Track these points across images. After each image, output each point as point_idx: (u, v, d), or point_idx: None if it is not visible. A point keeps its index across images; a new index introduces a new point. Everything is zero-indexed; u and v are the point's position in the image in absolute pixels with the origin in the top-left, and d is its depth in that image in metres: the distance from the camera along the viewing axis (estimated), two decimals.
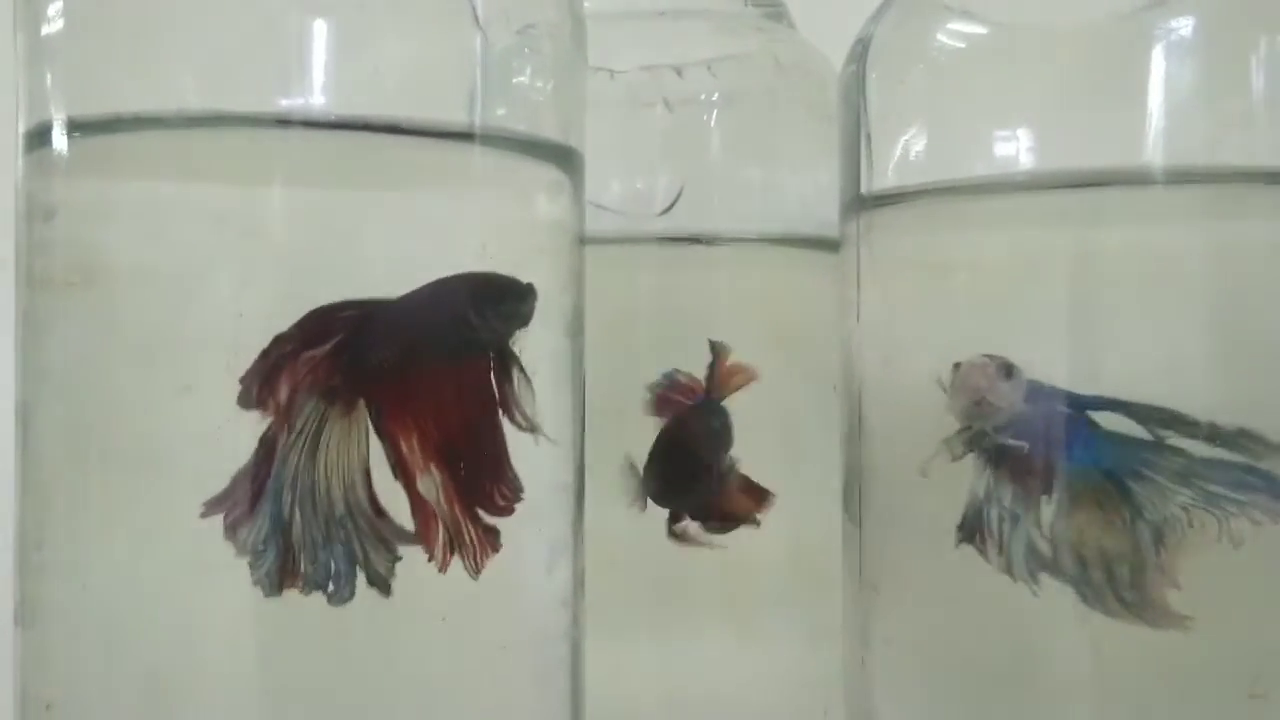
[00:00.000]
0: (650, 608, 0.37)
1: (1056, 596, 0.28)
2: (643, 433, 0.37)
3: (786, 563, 0.37)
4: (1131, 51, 0.30)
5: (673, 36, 0.41)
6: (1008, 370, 0.29)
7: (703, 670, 0.37)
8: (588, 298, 0.36)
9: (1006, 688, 0.30)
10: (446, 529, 0.25)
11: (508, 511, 0.26)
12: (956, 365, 0.29)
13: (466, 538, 0.25)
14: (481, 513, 0.25)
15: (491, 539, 0.25)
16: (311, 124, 0.25)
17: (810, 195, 0.39)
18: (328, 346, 0.24)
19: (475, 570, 0.25)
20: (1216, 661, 0.28)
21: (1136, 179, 0.30)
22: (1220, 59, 0.30)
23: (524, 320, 0.27)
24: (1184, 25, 0.30)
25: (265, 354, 0.24)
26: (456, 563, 0.25)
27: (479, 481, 0.25)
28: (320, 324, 0.24)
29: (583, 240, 0.30)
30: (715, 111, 0.40)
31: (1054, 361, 0.29)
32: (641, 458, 0.37)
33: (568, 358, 0.28)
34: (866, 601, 0.32)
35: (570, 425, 0.28)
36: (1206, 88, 0.30)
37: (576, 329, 0.29)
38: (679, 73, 0.41)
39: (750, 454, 0.37)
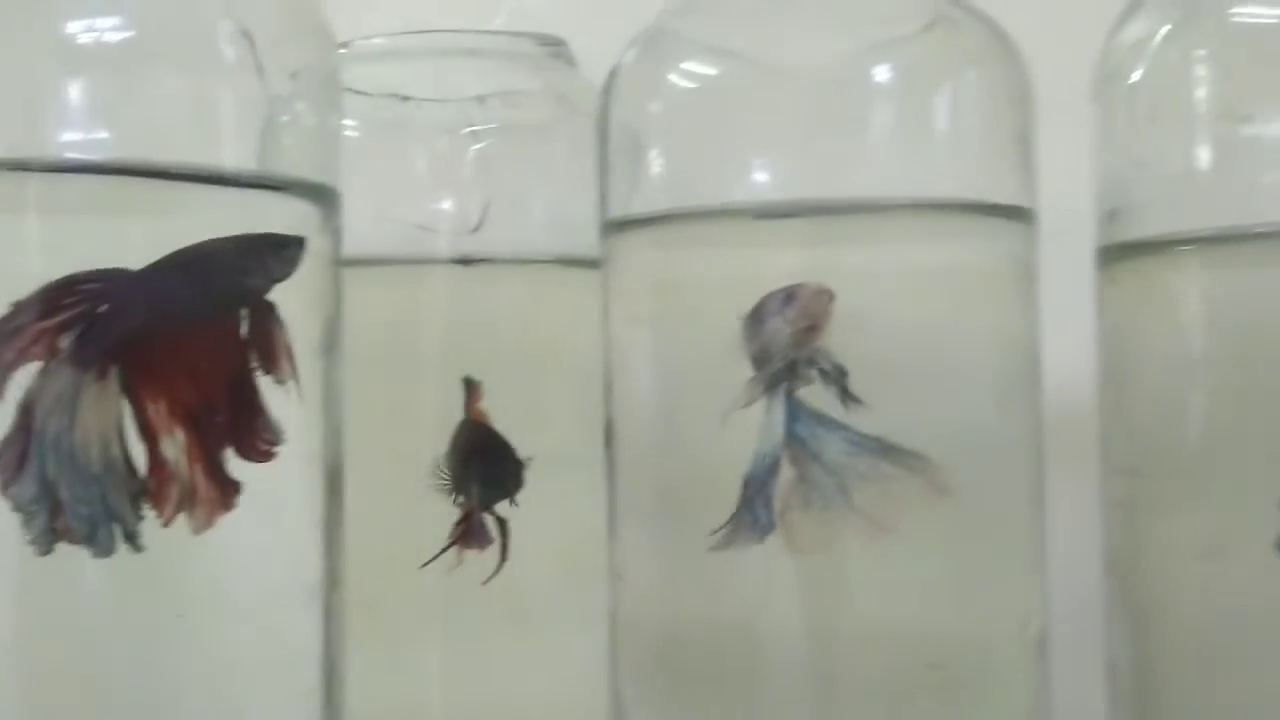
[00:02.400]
0: (436, 601, 0.40)
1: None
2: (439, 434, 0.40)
3: (561, 556, 0.39)
4: (845, 92, 0.33)
5: (471, 72, 0.43)
6: (833, 298, 0.31)
7: (482, 663, 0.39)
8: (385, 312, 0.40)
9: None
10: (182, 487, 0.27)
11: (269, 456, 0.28)
12: (784, 292, 0.31)
13: (202, 495, 0.27)
14: (235, 466, 0.27)
15: (227, 498, 0.27)
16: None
17: (587, 219, 0.42)
18: (65, 316, 0.26)
19: (205, 526, 0.26)
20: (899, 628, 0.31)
21: (846, 208, 0.33)
22: (913, 101, 0.33)
23: (292, 266, 0.29)
24: (884, 70, 0.33)
25: (5, 319, 0.26)
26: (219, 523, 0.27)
27: (237, 434, 0.27)
28: (61, 294, 0.26)
29: (339, 263, 0.32)
30: (507, 140, 0.42)
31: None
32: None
33: (319, 374, 0.30)
34: (615, 589, 0.34)
35: (321, 436, 0.30)
36: (903, 126, 0.33)
37: (328, 346, 0.31)
38: (480, 102, 0.43)
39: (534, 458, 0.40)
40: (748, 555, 0.31)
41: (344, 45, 0.43)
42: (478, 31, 0.43)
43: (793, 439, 0.31)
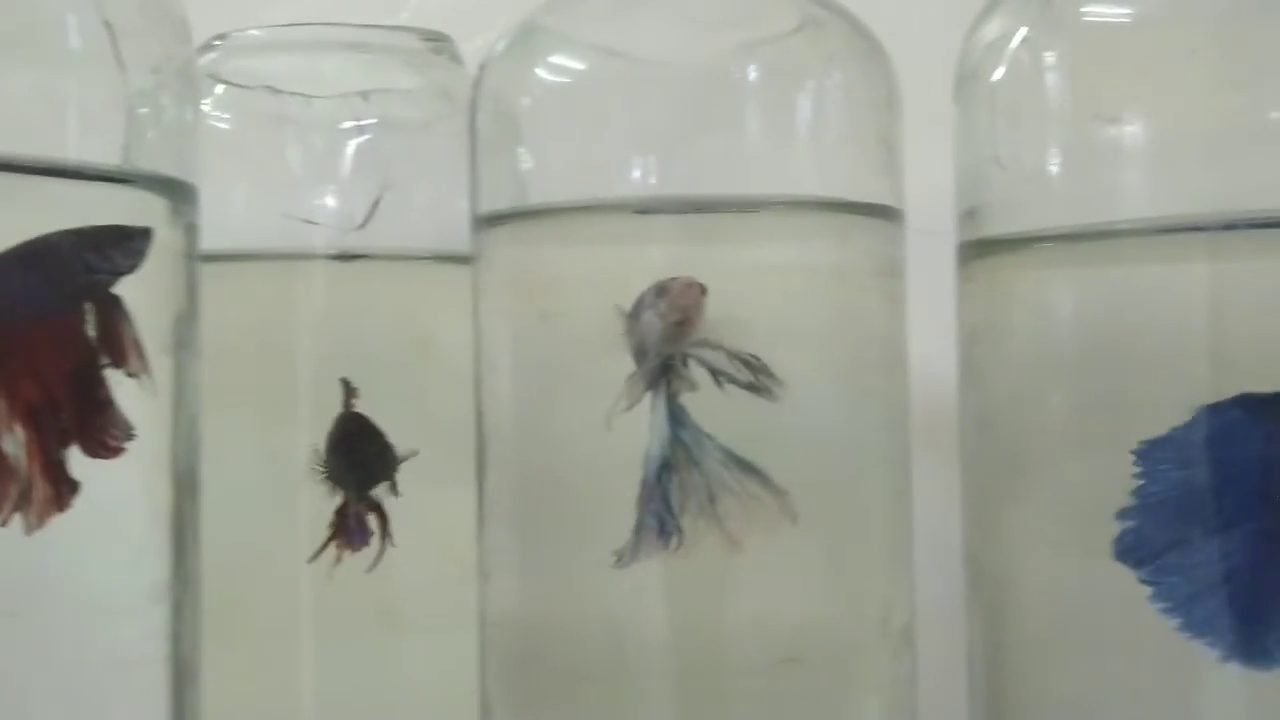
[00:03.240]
0: (309, 600, 0.39)
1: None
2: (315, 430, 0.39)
3: (437, 555, 0.39)
4: (714, 90, 0.33)
5: (354, 67, 0.43)
6: (704, 291, 0.31)
7: (355, 662, 0.39)
8: (260, 307, 0.39)
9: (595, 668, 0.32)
10: (19, 486, 0.26)
11: (117, 452, 0.27)
12: (656, 287, 0.31)
13: (37, 494, 0.26)
14: (79, 464, 0.26)
15: (61, 498, 0.26)
16: None
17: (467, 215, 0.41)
18: None
19: (38, 525, 0.26)
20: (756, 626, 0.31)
21: (714, 205, 0.33)
22: (780, 100, 0.33)
23: (138, 259, 0.28)
24: (753, 70, 0.33)
25: None
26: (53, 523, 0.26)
27: (82, 431, 0.27)
28: None
29: (194, 258, 0.31)
30: (387, 135, 0.42)
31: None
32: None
33: (169, 371, 0.29)
34: (482, 588, 0.34)
35: (170, 434, 0.29)
36: (771, 124, 0.33)
37: (181, 342, 0.30)
38: (362, 98, 0.43)
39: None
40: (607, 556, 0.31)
41: (222, 38, 0.43)
42: (360, 26, 0.42)
43: (677, 442, 0.31)
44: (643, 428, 0.31)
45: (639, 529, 0.30)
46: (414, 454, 0.39)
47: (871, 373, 0.32)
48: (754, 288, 0.32)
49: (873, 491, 0.32)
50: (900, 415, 0.33)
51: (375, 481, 0.39)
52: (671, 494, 0.31)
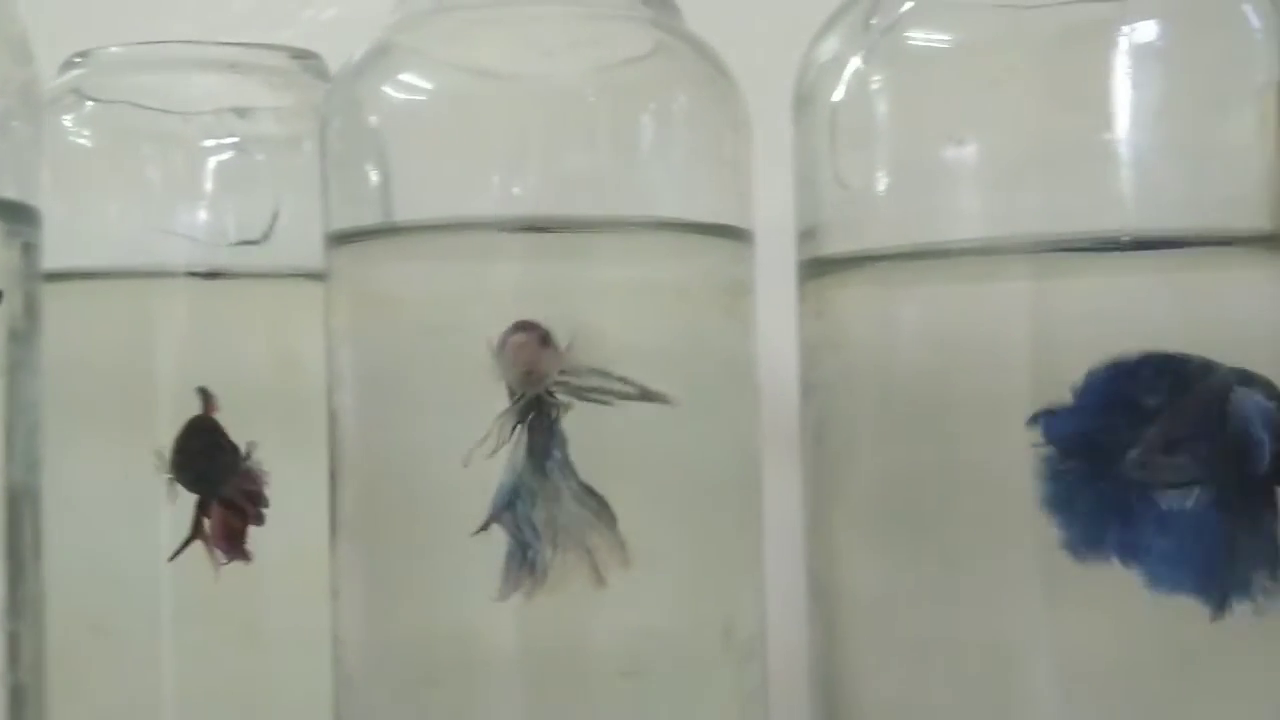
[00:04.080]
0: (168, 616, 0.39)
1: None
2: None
3: (300, 572, 0.39)
4: (566, 110, 0.34)
5: (220, 84, 0.43)
6: (544, 338, 0.31)
7: (214, 679, 0.38)
8: (120, 326, 0.39)
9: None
10: None
11: None
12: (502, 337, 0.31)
13: None
14: None
15: None
16: None
17: None
18: None
19: None
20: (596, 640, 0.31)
21: (563, 225, 0.33)
22: (632, 122, 0.34)
23: None
24: (605, 92, 0.33)
25: None
26: None
27: None
28: None
29: (32, 277, 0.30)
30: (252, 153, 0.42)
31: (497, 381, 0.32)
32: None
33: (2, 392, 0.29)
34: (333, 606, 0.34)
35: (1, 455, 0.29)
36: (621, 145, 0.34)
37: (16, 363, 0.29)
38: (233, 115, 0.42)
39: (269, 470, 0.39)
40: (455, 577, 0.31)
41: (86, 54, 0.42)
42: (228, 44, 0.42)
43: (537, 474, 0.31)
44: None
45: (509, 564, 0.31)
46: (253, 446, 0.39)
47: (716, 390, 0.33)
48: (603, 307, 0.32)
49: (716, 508, 0.33)
50: (747, 433, 0.34)
51: (221, 481, 0.38)
52: (529, 525, 0.31)
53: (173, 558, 0.38)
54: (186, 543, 0.38)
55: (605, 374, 0.31)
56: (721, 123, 0.34)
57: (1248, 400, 0.26)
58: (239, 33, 0.45)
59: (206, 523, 0.38)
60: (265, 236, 0.41)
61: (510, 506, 0.31)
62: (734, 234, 0.34)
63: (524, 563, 0.31)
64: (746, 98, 0.35)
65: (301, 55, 0.43)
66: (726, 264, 0.34)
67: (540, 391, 0.31)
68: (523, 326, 0.31)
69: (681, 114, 0.34)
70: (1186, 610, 0.27)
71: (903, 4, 0.30)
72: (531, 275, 0.32)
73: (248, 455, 0.39)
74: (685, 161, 0.34)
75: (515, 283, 0.32)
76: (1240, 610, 0.27)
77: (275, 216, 0.41)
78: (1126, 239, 0.27)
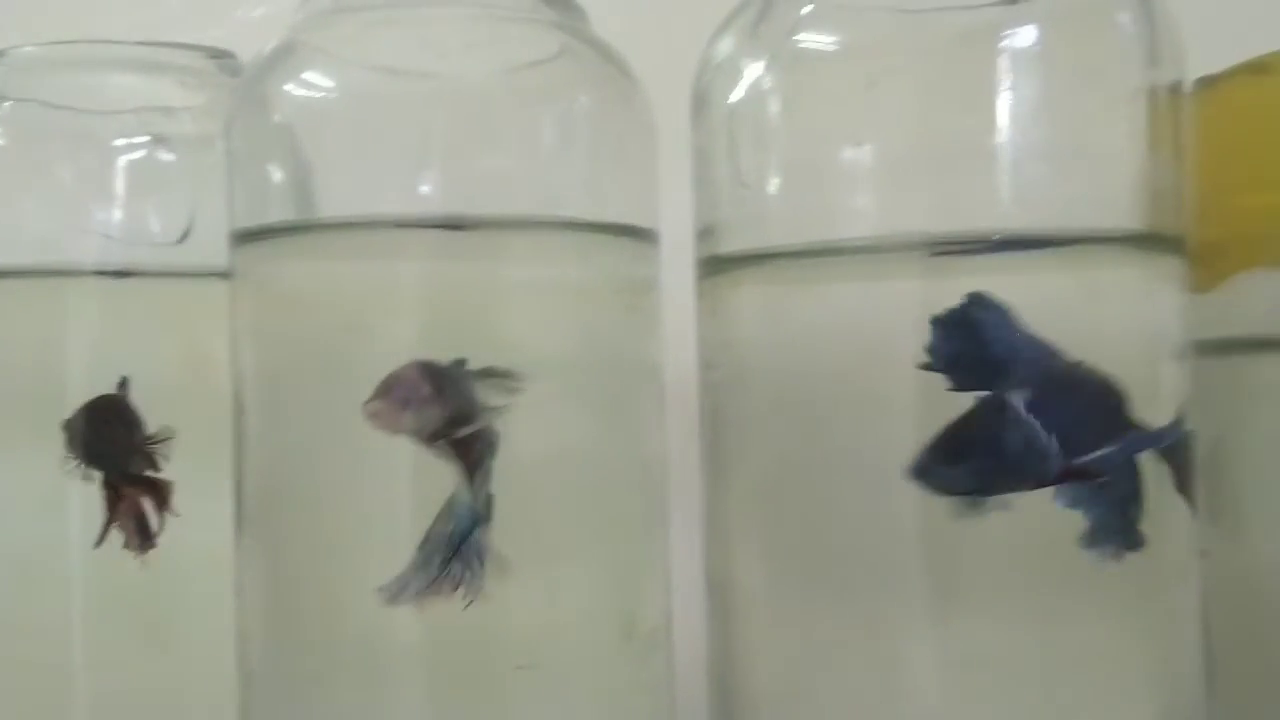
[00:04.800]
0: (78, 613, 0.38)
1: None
2: None
3: (204, 565, 0.39)
4: (472, 111, 0.34)
5: (137, 83, 0.42)
6: (403, 403, 0.30)
7: (122, 676, 0.38)
8: (30, 325, 0.39)
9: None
10: None
11: None
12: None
13: None
14: None
15: None
16: None
17: None
18: None
19: None
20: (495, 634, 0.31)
21: (468, 224, 0.33)
22: (538, 123, 0.34)
23: None
24: (510, 93, 0.34)
25: None
26: None
27: None
28: None
29: None
30: (165, 152, 0.41)
31: None
32: None
33: None
34: (237, 602, 0.34)
35: None
36: (528, 146, 0.34)
37: None
38: (150, 114, 0.42)
39: (181, 469, 0.39)
40: (354, 576, 0.31)
41: (1, 54, 0.42)
42: (145, 43, 0.42)
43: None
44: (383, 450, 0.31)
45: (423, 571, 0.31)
46: (170, 433, 0.39)
47: (619, 388, 0.33)
48: (506, 305, 0.32)
49: (617, 503, 0.33)
50: (650, 429, 0.34)
51: (124, 456, 0.38)
52: (477, 554, 0.31)
53: (98, 543, 0.38)
54: (107, 525, 0.38)
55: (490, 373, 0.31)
56: (625, 124, 0.35)
57: (1025, 416, 0.26)
58: (170, 31, 0.45)
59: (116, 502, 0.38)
60: (184, 236, 0.41)
61: (468, 537, 0.31)
62: (637, 234, 0.34)
63: (446, 579, 0.31)
64: (652, 100, 0.36)
65: (218, 55, 0.43)
66: (629, 263, 0.34)
67: (440, 437, 0.31)
68: (379, 393, 0.30)
69: (585, 116, 0.34)
70: None
71: (794, 6, 0.30)
72: (434, 274, 0.32)
73: (157, 438, 0.38)
74: (589, 162, 0.34)
75: (417, 281, 0.32)
76: None
77: (192, 216, 0.41)
78: (998, 238, 0.27)
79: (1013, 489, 0.26)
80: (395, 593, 0.30)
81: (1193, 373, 0.30)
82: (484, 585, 0.30)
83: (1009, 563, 0.28)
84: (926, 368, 0.28)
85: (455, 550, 0.30)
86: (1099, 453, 0.26)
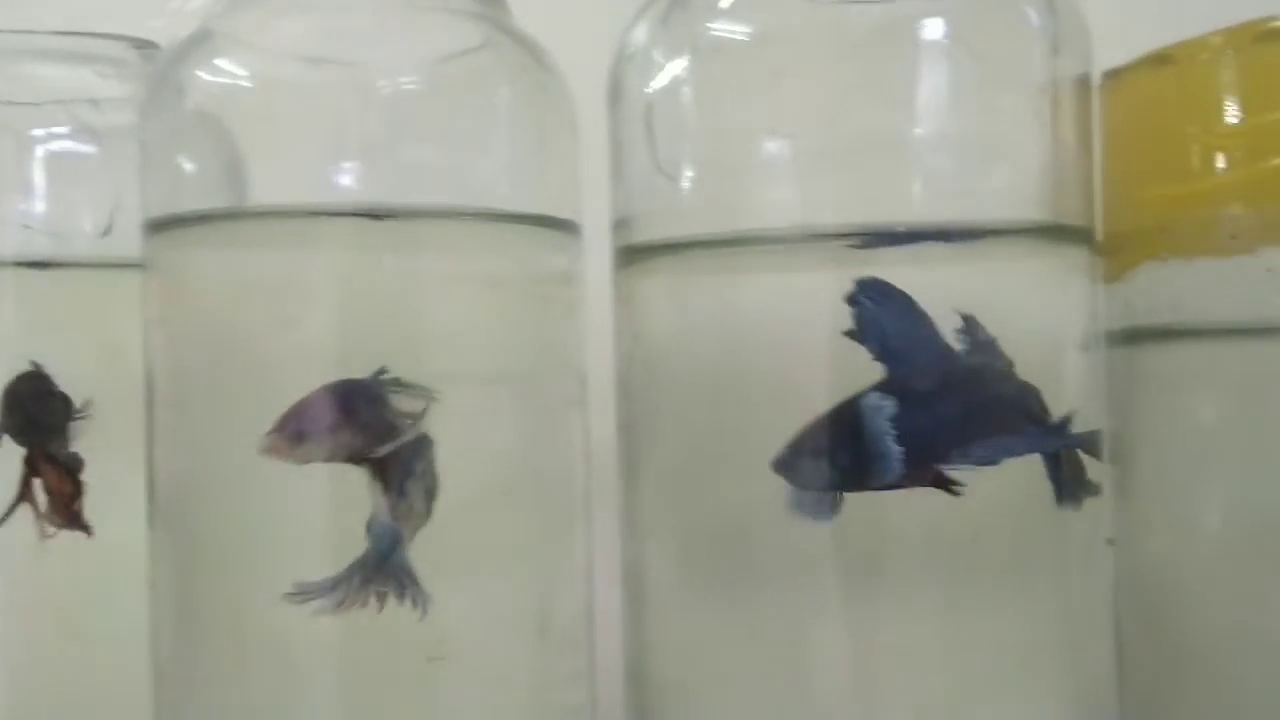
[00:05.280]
0: None
1: None
2: None
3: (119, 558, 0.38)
4: (389, 100, 0.33)
5: (66, 75, 0.42)
6: (298, 436, 0.30)
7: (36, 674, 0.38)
8: None
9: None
10: None
11: None
12: None
13: None
14: None
15: None
16: None
17: None
18: None
19: None
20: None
21: (385, 213, 0.33)
22: (459, 114, 0.34)
23: None
24: (429, 83, 0.33)
25: None
26: None
27: None
28: None
29: None
30: (85, 143, 0.41)
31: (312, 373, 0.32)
32: None
33: None
34: (152, 598, 0.33)
35: None
36: (449, 137, 0.34)
37: None
38: (77, 105, 0.42)
39: (99, 461, 0.39)
40: (262, 569, 0.31)
41: None
42: (68, 33, 0.41)
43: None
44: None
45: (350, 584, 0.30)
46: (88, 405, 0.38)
47: (535, 380, 0.33)
48: (422, 296, 0.32)
49: (535, 501, 0.32)
50: (568, 423, 0.34)
51: (48, 436, 0.38)
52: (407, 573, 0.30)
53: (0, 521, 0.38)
54: (14, 505, 0.37)
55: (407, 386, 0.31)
56: (546, 116, 0.34)
57: (878, 413, 0.26)
58: (107, 22, 0.44)
59: (36, 485, 0.38)
60: (108, 229, 0.40)
61: (388, 558, 0.30)
62: (559, 225, 0.34)
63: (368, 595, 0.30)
64: (575, 92, 0.35)
65: (142, 45, 0.42)
66: (549, 254, 0.34)
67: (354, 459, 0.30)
68: (276, 424, 0.29)
69: (506, 107, 0.34)
70: None
71: None
72: (350, 265, 0.32)
73: (82, 412, 0.38)
74: (510, 154, 0.34)
75: (332, 273, 0.32)
76: None
77: (115, 207, 0.40)
78: (903, 230, 0.27)
79: (866, 488, 0.26)
80: (312, 601, 0.30)
81: (1102, 363, 0.30)
82: (405, 598, 0.30)
83: (916, 550, 0.28)
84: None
85: (376, 571, 0.30)
86: (984, 451, 0.26)
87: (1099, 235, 0.30)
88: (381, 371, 0.30)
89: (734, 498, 0.28)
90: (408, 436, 0.30)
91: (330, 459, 0.30)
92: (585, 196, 0.35)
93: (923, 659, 0.28)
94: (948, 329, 0.28)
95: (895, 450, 0.26)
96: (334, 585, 0.30)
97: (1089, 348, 0.29)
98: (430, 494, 0.30)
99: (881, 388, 0.26)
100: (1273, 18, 0.25)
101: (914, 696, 0.29)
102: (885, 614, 0.28)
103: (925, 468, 0.26)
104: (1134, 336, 0.29)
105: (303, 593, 0.30)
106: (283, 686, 0.31)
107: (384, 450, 0.30)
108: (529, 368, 0.33)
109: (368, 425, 0.30)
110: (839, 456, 0.26)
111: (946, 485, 0.26)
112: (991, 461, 0.26)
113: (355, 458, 0.30)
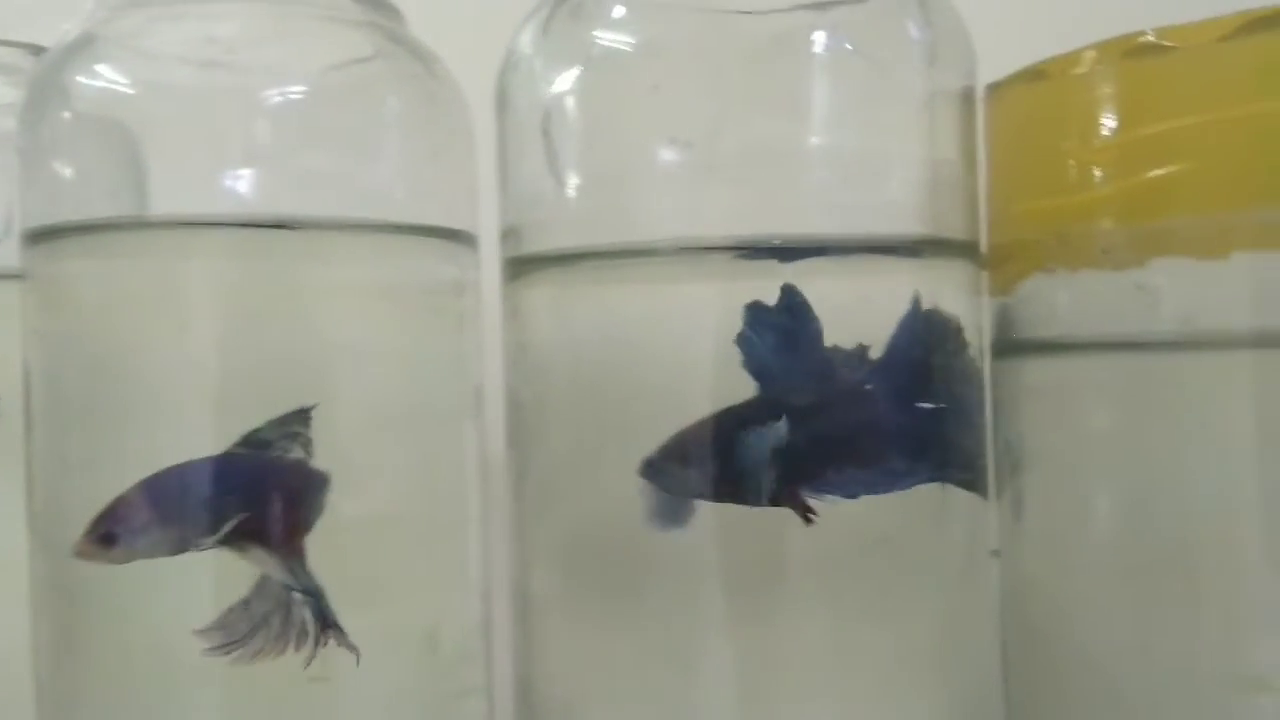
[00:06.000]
0: None
1: None
2: None
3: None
4: (276, 110, 0.33)
5: None
6: (108, 539, 0.29)
7: None
8: None
9: None
10: None
11: None
12: None
13: None
14: None
15: None
16: None
17: None
18: None
19: None
20: None
21: (272, 223, 0.32)
22: (350, 124, 0.33)
23: None
24: (320, 95, 0.33)
25: None
26: None
27: None
28: None
29: None
30: None
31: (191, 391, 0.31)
32: None
33: None
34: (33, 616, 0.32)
35: None
36: (339, 147, 0.33)
37: None
38: None
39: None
40: (141, 589, 0.30)
41: None
42: None
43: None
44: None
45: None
46: None
47: (424, 394, 0.32)
48: (303, 306, 0.31)
49: (421, 513, 0.32)
50: (459, 437, 0.33)
51: None
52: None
53: None
54: None
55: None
56: (438, 125, 0.34)
57: (753, 431, 0.26)
58: (23, 26, 0.43)
59: None
60: (4, 235, 0.39)
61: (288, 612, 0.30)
62: (448, 235, 0.33)
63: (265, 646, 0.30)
64: (471, 102, 0.35)
65: (38, 51, 0.41)
66: (439, 265, 0.33)
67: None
68: (88, 526, 0.29)
69: (397, 117, 0.34)
70: None
71: (591, 5, 0.30)
72: (228, 276, 0.31)
73: None
74: (398, 163, 0.33)
75: (210, 285, 0.31)
76: None
77: (9, 216, 0.39)
78: (779, 243, 0.27)
79: (731, 501, 0.26)
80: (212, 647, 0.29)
81: (990, 376, 0.30)
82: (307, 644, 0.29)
83: (797, 562, 0.28)
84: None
85: (277, 623, 0.29)
86: (851, 485, 0.26)
87: (985, 248, 0.30)
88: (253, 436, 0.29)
89: (614, 512, 0.28)
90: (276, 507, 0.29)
91: (149, 553, 0.29)
92: (486, 207, 0.35)
93: (806, 671, 0.28)
94: (837, 351, 0.27)
95: (765, 468, 0.26)
96: (251, 632, 0.29)
97: None
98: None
99: (759, 406, 0.26)
100: (1141, 32, 0.25)
101: (798, 709, 0.28)
102: (768, 627, 0.28)
103: (790, 491, 0.26)
104: (1020, 349, 0.29)
105: (223, 645, 0.29)
106: (165, 707, 0.30)
107: (217, 536, 0.29)
108: (418, 380, 0.33)
109: (195, 515, 0.28)
110: (707, 467, 0.26)
111: (805, 512, 0.26)
112: (853, 496, 0.26)
113: (186, 548, 0.28)
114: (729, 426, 0.26)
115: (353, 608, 0.30)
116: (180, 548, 0.28)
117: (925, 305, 0.28)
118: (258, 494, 0.28)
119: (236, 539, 0.28)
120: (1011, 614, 0.30)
